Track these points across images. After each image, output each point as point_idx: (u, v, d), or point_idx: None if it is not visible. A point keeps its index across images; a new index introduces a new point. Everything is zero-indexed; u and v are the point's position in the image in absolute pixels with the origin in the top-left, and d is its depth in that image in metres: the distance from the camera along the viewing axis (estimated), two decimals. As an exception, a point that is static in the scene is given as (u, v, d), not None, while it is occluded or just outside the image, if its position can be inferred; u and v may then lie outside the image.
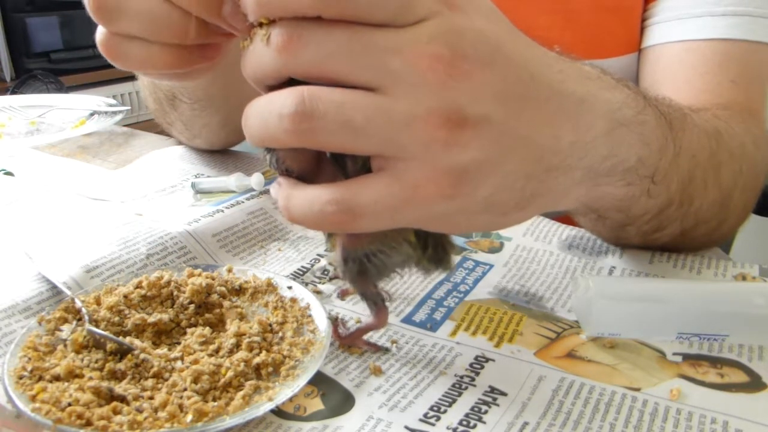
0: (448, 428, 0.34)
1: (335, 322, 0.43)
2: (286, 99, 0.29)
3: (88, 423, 0.32)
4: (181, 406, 0.34)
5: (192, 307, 0.42)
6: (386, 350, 0.41)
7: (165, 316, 0.40)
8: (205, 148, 0.78)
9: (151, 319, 0.40)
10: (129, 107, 1.00)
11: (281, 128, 0.30)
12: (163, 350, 0.38)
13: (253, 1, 0.29)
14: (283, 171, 0.34)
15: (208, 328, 0.41)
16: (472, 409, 0.36)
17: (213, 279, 0.44)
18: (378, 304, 0.40)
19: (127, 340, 0.38)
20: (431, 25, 0.29)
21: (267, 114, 0.30)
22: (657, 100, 0.44)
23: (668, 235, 0.52)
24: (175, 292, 0.43)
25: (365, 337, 0.42)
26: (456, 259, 0.39)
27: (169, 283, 0.43)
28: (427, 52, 0.28)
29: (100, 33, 0.35)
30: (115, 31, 0.35)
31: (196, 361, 0.37)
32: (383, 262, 0.37)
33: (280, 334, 0.40)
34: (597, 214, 0.50)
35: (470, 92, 0.29)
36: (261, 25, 0.30)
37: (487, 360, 0.40)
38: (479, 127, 0.30)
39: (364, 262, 0.37)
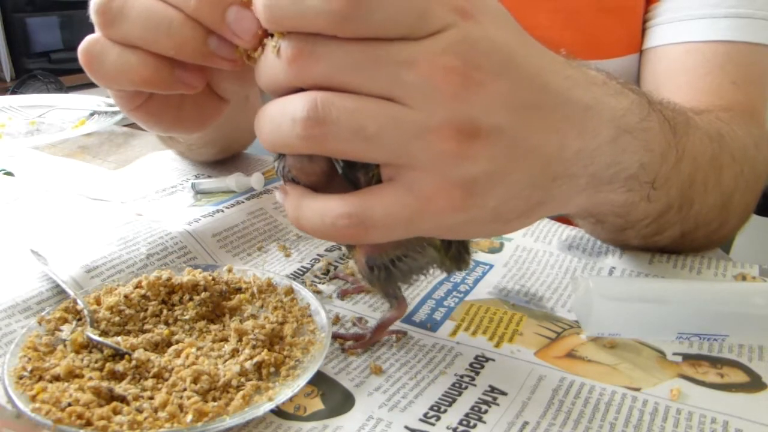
0: (448, 428, 0.34)
1: (360, 323, 0.43)
2: (299, 104, 0.29)
3: (88, 423, 0.32)
4: (181, 406, 0.34)
5: (191, 306, 0.42)
6: (404, 333, 0.42)
7: (165, 329, 0.40)
8: None
9: (152, 337, 0.39)
10: (129, 107, 1.00)
11: (293, 133, 0.29)
12: (163, 352, 0.38)
13: (266, 17, 0.29)
14: (290, 179, 0.34)
15: (208, 328, 0.41)
16: (472, 408, 0.36)
17: (213, 279, 0.44)
18: (398, 297, 0.41)
19: (128, 342, 0.38)
20: (445, 36, 0.28)
21: (280, 118, 0.30)
22: (661, 104, 0.44)
23: (668, 238, 0.52)
24: (175, 292, 0.43)
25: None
26: (473, 258, 0.40)
27: (169, 282, 0.43)
28: (441, 63, 0.28)
29: (88, 40, 0.35)
30: (110, 35, 0.34)
31: (195, 361, 0.37)
32: (409, 265, 0.38)
33: (280, 334, 0.40)
34: (595, 219, 0.50)
35: (483, 103, 0.29)
36: (272, 35, 0.30)
37: (487, 360, 0.40)
38: (490, 138, 0.30)
39: (390, 268, 0.38)
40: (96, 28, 0.34)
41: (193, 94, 0.38)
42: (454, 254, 0.39)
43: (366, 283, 0.40)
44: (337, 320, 0.44)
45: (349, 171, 0.33)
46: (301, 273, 0.51)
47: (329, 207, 0.31)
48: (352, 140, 0.29)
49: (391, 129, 0.29)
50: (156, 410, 0.33)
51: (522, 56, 0.31)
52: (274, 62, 0.30)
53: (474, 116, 0.29)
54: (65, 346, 0.38)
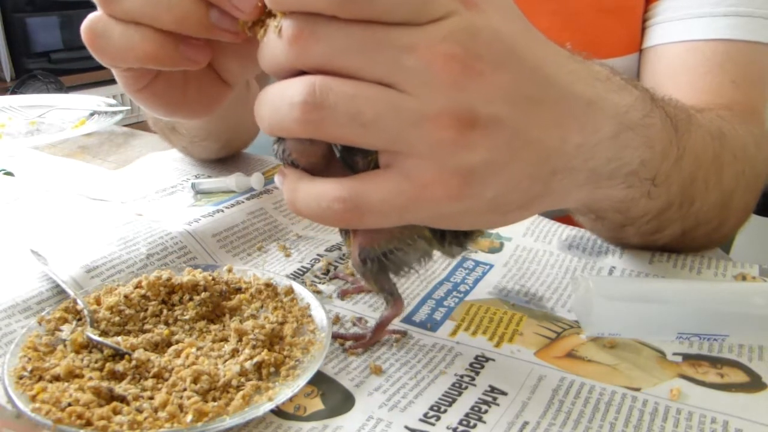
0: (448, 428, 0.34)
1: (359, 323, 0.44)
2: (297, 88, 0.29)
3: (88, 423, 0.32)
4: (181, 406, 0.34)
5: (191, 306, 0.42)
6: (404, 333, 0.43)
7: (165, 329, 0.40)
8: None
9: (152, 337, 0.39)
10: (129, 107, 1.00)
11: (291, 117, 0.29)
12: (163, 352, 0.38)
13: None
14: (289, 162, 0.34)
15: (208, 328, 0.41)
16: (472, 408, 0.36)
17: (213, 279, 0.44)
18: (395, 294, 0.41)
19: (128, 342, 0.38)
20: (447, 24, 0.28)
21: (278, 102, 0.30)
22: (664, 100, 0.44)
23: (668, 236, 0.51)
24: (175, 292, 0.43)
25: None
26: (480, 235, 0.40)
27: (169, 282, 0.43)
28: (441, 50, 0.28)
29: (90, 18, 0.34)
30: (112, 12, 0.34)
31: (195, 361, 0.37)
32: (401, 258, 0.38)
33: (280, 334, 0.40)
34: (595, 215, 0.50)
35: (482, 93, 0.29)
36: (275, 15, 0.30)
37: (487, 360, 0.40)
38: (489, 128, 0.30)
39: (382, 261, 0.38)
40: (97, 5, 0.34)
41: (197, 77, 0.38)
42: (451, 241, 0.39)
43: (360, 278, 0.40)
44: (337, 320, 0.44)
45: (348, 155, 0.32)
46: (301, 273, 0.51)
47: (325, 190, 0.31)
48: (349, 126, 0.29)
49: (389, 116, 0.29)
50: (156, 410, 0.33)
51: (525, 48, 0.31)
52: (275, 43, 0.30)
53: (473, 105, 0.29)
54: (65, 346, 0.38)
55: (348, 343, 0.41)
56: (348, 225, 0.33)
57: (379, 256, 0.38)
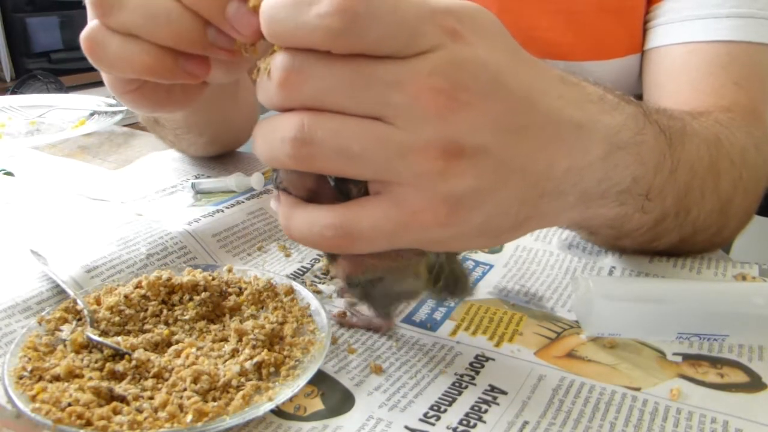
0: (448, 428, 0.34)
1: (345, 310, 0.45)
2: (287, 125, 0.30)
3: (88, 423, 0.32)
4: (181, 406, 0.34)
5: (191, 306, 0.42)
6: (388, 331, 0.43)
7: (165, 329, 0.40)
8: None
9: (152, 337, 0.39)
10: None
11: (283, 152, 0.30)
12: (163, 352, 0.38)
13: (266, 31, 0.29)
14: (283, 190, 0.35)
15: (208, 328, 0.41)
16: (472, 408, 0.36)
17: (213, 279, 0.44)
18: (389, 315, 0.41)
19: (128, 342, 0.38)
20: (433, 57, 0.29)
21: (270, 137, 0.31)
22: (658, 113, 0.44)
23: (666, 243, 0.51)
24: (175, 292, 0.43)
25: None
26: (472, 283, 0.41)
27: (169, 282, 0.43)
28: (427, 85, 0.29)
29: (88, 27, 0.35)
30: (109, 24, 0.34)
31: (195, 361, 0.37)
32: (387, 288, 0.38)
33: (280, 334, 0.40)
34: (588, 231, 0.50)
35: (469, 123, 0.30)
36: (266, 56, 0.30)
37: (487, 359, 0.40)
38: (476, 157, 0.30)
39: (367, 288, 0.38)
40: (95, 16, 0.34)
41: None
42: (442, 287, 0.39)
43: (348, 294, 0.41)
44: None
45: (341, 183, 0.33)
46: (301, 273, 0.51)
47: (317, 217, 0.32)
48: (336, 159, 0.30)
49: (376, 148, 0.29)
50: (156, 410, 0.33)
51: (512, 77, 0.31)
52: (267, 84, 0.30)
53: (459, 136, 0.30)
54: (65, 346, 0.38)
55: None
56: (339, 250, 0.34)
57: (364, 284, 0.38)
